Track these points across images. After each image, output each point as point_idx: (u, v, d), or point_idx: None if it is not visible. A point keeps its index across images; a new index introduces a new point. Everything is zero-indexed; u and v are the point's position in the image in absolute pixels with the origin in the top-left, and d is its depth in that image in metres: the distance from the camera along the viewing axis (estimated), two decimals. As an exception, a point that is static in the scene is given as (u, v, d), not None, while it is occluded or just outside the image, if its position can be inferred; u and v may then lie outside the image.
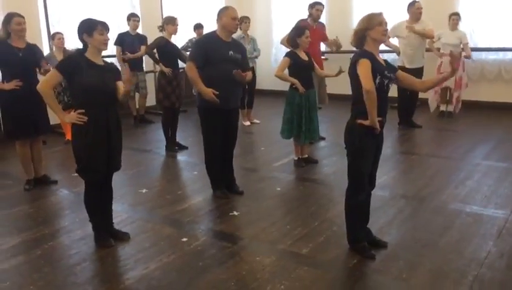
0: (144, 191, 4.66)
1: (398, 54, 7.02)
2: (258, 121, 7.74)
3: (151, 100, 8.21)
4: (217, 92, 4.08)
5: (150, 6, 8.73)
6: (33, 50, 4.69)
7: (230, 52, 4.21)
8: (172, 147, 6.13)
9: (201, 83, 4.12)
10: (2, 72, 4.62)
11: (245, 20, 7.33)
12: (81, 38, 3.30)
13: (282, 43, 6.19)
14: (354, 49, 3.19)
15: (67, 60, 3.39)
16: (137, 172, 5.33)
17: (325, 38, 6.69)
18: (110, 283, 3.02)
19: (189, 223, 3.89)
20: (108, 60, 7.46)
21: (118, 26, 7.59)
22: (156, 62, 6.22)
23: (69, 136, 5.47)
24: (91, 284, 3.00)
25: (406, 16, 6.96)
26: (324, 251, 3.34)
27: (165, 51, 6.09)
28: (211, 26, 5.38)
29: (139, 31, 7.92)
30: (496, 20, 7.95)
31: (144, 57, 7.77)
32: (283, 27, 8.52)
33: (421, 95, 7.37)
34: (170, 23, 6.10)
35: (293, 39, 5.01)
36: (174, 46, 6.27)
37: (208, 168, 4.47)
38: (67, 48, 6.61)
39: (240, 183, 4.59)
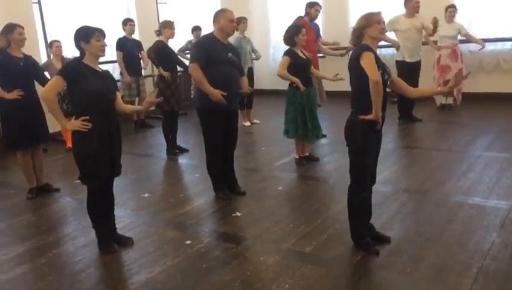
0: (146, 195, 4.66)
1: (398, 48, 6.98)
2: (257, 121, 7.74)
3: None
4: (225, 93, 4.09)
5: (146, 11, 8.73)
6: (32, 60, 4.75)
7: (230, 54, 4.25)
8: (173, 150, 6.13)
9: (207, 83, 4.08)
10: (1, 81, 4.63)
11: (243, 20, 7.33)
12: (78, 46, 3.31)
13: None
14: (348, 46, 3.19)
15: (69, 66, 3.40)
16: (139, 177, 5.34)
17: (315, 39, 6.70)
18: (115, 289, 3.03)
19: (192, 226, 3.90)
20: (108, 65, 7.60)
21: (115, 32, 7.60)
22: (156, 66, 6.22)
23: (69, 144, 5.48)
24: (96, 290, 3.01)
25: (400, 13, 6.94)
26: (328, 249, 3.34)
27: (163, 55, 6.09)
28: (208, 29, 5.38)
29: (135, 35, 7.93)
30: (493, 11, 7.94)
31: (141, 62, 7.80)
32: (280, 27, 8.51)
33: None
34: (167, 27, 6.11)
35: (290, 38, 5.01)
36: (171, 50, 6.28)
37: (210, 169, 4.47)
38: (65, 56, 6.61)
39: (241, 184, 4.59)
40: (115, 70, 8.13)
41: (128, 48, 7.46)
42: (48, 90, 3.29)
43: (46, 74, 6.38)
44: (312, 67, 5.28)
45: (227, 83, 4.14)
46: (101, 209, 3.49)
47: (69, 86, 3.26)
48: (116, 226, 3.65)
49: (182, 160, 5.97)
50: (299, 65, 5.00)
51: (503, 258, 3.04)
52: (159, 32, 6.16)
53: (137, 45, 7.67)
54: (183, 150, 6.21)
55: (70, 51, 6.56)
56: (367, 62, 2.95)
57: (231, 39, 6.91)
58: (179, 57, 6.95)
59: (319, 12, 6.77)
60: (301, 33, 4.97)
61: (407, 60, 6.86)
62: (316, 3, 6.74)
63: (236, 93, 4.30)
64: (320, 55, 7.61)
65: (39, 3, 7.30)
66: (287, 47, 5.10)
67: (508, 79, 8.04)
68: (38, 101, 4.60)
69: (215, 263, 3.23)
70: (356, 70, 3.03)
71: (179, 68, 6.29)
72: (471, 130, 6.41)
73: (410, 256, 3.13)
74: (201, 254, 3.37)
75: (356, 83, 3.10)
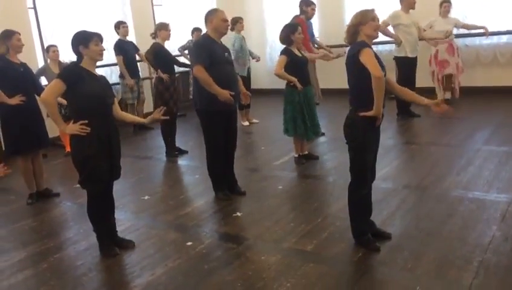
0: (147, 197, 4.67)
1: (400, 44, 6.84)
2: (256, 121, 7.74)
3: (148, 106, 8.24)
4: (233, 93, 4.09)
5: (142, 14, 8.73)
6: (28, 67, 4.76)
7: (226, 54, 4.27)
8: (173, 152, 6.13)
9: (215, 84, 4.06)
10: (1, 87, 4.61)
11: (239, 20, 7.34)
12: (76, 50, 3.31)
13: None
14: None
15: (69, 70, 3.40)
16: (139, 179, 5.35)
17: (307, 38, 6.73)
18: (118, 292, 3.03)
19: (193, 227, 3.90)
20: (105, 69, 7.60)
21: (111, 36, 7.60)
22: (154, 69, 6.22)
23: (69, 149, 5.48)
24: (98, 294, 3.02)
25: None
26: (329, 247, 3.34)
27: (161, 57, 6.08)
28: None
29: (131, 38, 7.94)
30: (488, 4, 7.94)
31: (138, 64, 7.80)
32: (277, 26, 8.54)
33: (420, 84, 7.37)
34: (163, 29, 6.11)
35: (286, 36, 5.01)
36: (168, 52, 6.28)
37: (210, 170, 4.47)
38: (61, 61, 6.61)
39: (241, 184, 4.59)
40: (112, 74, 8.15)
41: (126, 51, 7.47)
42: (48, 94, 3.29)
43: (43, 78, 6.44)
44: (308, 53, 5.27)
45: (229, 83, 4.15)
46: (101, 213, 3.49)
47: (68, 89, 3.26)
48: (117, 229, 3.66)
49: (182, 161, 5.97)
50: (296, 64, 5.00)
51: (503, 251, 3.05)
52: (154, 35, 6.15)
53: (134, 46, 7.69)
54: (182, 152, 6.21)
55: (67, 56, 6.57)
56: (367, 58, 2.94)
57: (229, 39, 6.96)
58: (176, 58, 6.95)
59: (315, 11, 6.81)
60: (297, 31, 4.98)
61: (409, 55, 6.83)
62: (312, 2, 6.76)
63: (237, 93, 4.31)
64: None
65: (35, 8, 7.30)
66: (284, 46, 5.09)
67: (505, 72, 8.04)
68: (38, 107, 4.62)
69: (216, 263, 3.24)
70: (355, 67, 3.02)
71: (176, 70, 6.29)
72: (470, 124, 6.41)
73: (411, 252, 3.14)
74: (202, 255, 3.38)
75: (355, 80, 3.10)
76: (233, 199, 4.40)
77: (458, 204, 3.84)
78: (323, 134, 6.28)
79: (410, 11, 6.77)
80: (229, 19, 7.13)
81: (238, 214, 4.09)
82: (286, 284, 2.89)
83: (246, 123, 7.59)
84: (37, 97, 4.49)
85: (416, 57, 6.95)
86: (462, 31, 7.97)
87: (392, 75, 6.64)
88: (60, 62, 6.58)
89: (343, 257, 3.22)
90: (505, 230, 3.32)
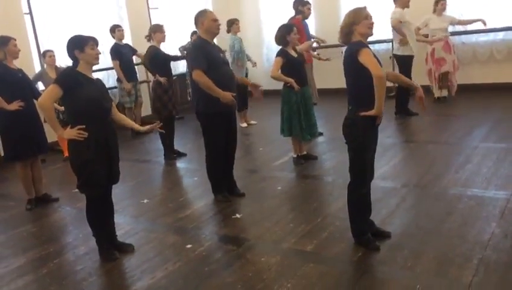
0: (146, 201, 4.66)
1: (406, 43, 6.76)
2: (254, 122, 7.74)
3: (145, 110, 8.24)
4: (234, 94, 4.10)
5: (138, 17, 8.73)
6: (25, 73, 4.75)
7: (221, 55, 4.27)
8: (171, 154, 6.13)
9: (217, 87, 4.05)
10: (0, 93, 4.61)
11: (235, 22, 7.34)
12: (71, 55, 3.31)
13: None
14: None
15: (65, 74, 3.39)
16: (138, 183, 5.34)
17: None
18: (118, 296, 3.03)
19: (192, 230, 3.90)
20: (102, 73, 7.59)
21: (107, 39, 7.59)
22: (153, 74, 6.19)
23: (67, 153, 5.48)
24: (99, 299, 3.01)
25: (389, 9, 6.91)
26: (329, 247, 3.34)
27: (158, 61, 6.07)
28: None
29: (128, 41, 7.94)
30: (484, 1, 7.94)
31: (136, 66, 7.80)
32: (273, 26, 8.56)
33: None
34: (158, 31, 6.10)
35: (282, 37, 5.01)
36: (164, 53, 6.27)
37: (210, 173, 4.47)
38: (58, 66, 6.61)
39: (240, 185, 4.59)
40: (109, 78, 8.15)
41: (123, 54, 7.46)
42: (45, 99, 3.29)
43: (40, 83, 6.44)
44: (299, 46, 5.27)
45: (228, 84, 4.16)
46: (100, 217, 3.49)
47: (65, 94, 3.26)
48: (116, 233, 3.65)
49: (180, 164, 5.97)
50: (292, 64, 5.00)
51: (503, 248, 3.05)
52: (149, 37, 6.15)
53: (130, 49, 7.68)
54: (181, 154, 6.20)
55: (64, 60, 6.56)
56: (367, 58, 2.93)
57: (226, 41, 6.98)
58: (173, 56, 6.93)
59: (311, 10, 6.83)
60: (293, 32, 4.98)
61: (411, 53, 6.84)
62: (307, 1, 6.77)
63: (236, 94, 4.31)
64: (315, 52, 7.65)
65: (31, 13, 7.29)
66: (280, 47, 5.10)
67: (502, 69, 8.05)
68: (37, 112, 4.62)
69: (216, 265, 3.23)
70: (354, 68, 3.01)
71: (174, 72, 6.28)
72: (467, 121, 6.42)
73: (411, 250, 3.14)
74: (202, 257, 3.37)
75: (354, 80, 3.09)
76: (233, 200, 4.40)
77: (457, 202, 3.84)
78: (321, 134, 6.29)
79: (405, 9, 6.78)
80: (225, 20, 7.23)
81: (238, 215, 4.09)
82: (286, 285, 2.89)
83: (244, 124, 7.59)
84: (35, 102, 4.49)
85: (413, 55, 6.97)
86: (458, 28, 8.00)
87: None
88: (56, 67, 6.57)
89: (343, 256, 3.22)
90: (504, 227, 3.33)
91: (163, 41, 6.19)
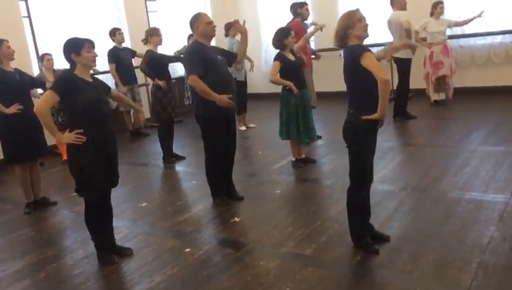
0: (144, 204, 4.66)
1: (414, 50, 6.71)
2: (253, 125, 7.74)
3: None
4: (230, 95, 4.11)
5: (137, 20, 8.72)
6: (23, 73, 4.75)
7: (219, 56, 4.27)
8: (170, 158, 6.12)
9: (213, 92, 4.06)
10: None
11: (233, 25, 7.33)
12: (68, 58, 3.30)
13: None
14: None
15: (61, 79, 3.39)
16: (136, 186, 5.33)
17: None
18: (116, 300, 3.02)
19: (191, 233, 3.89)
20: (101, 76, 7.60)
21: (106, 42, 7.59)
22: (152, 78, 6.19)
23: (65, 157, 5.47)
24: (97, 303, 3.00)
25: (388, 12, 6.91)
26: (328, 250, 3.34)
27: (156, 64, 6.07)
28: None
29: (127, 44, 7.94)
30: (482, 5, 7.96)
31: (135, 69, 7.80)
32: (271, 30, 8.58)
33: (414, 86, 7.39)
34: (154, 34, 6.10)
35: (279, 40, 5.01)
36: (161, 56, 6.27)
37: (209, 176, 4.46)
38: (56, 69, 6.60)
39: (239, 189, 4.59)
40: (108, 81, 8.13)
41: (121, 58, 7.46)
42: (41, 105, 3.29)
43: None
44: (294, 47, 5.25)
45: (226, 86, 4.16)
46: (99, 221, 3.48)
47: (62, 99, 3.26)
48: (115, 236, 3.64)
49: (179, 167, 5.96)
50: (290, 68, 5.00)
51: (502, 251, 3.05)
52: (146, 41, 6.14)
53: (129, 51, 7.68)
54: (179, 158, 6.20)
55: (62, 64, 6.56)
56: (371, 62, 2.93)
57: (225, 45, 6.96)
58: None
59: (309, 10, 6.83)
60: (290, 35, 4.98)
61: (410, 56, 6.85)
62: (304, 3, 6.77)
63: (234, 95, 4.31)
64: (313, 56, 7.65)
65: (29, 17, 7.29)
66: (278, 51, 5.10)
67: (499, 72, 8.07)
68: (36, 115, 4.60)
69: (215, 269, 3.23)
70: (356, 71, 3.01)
71: (173, 75, 6.27)
72: (466, 124, 6.43)
73: (410, 254, 3.14)
74: (201, 261, 3.36)
75: (355, 84, 3.08)
76: (232, 204, 4.39)
77: (456, 205, 3.84)
78: (320, 137, 6.29)
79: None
80: (224, 23, 7.23)
81: (236, 219, 4.09)
82: (285, 289, 2.88)
83: (243, 128, 7.59)
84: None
85: (411, 58, 6.99)
86: (456, 31, 8.01)
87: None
88: (54, 70, 6.57)
89: (342, 260, 3.22)
90: (503, 230, 3.33)
91: (160, 44, 6.20)
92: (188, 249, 3.55)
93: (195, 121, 4.41)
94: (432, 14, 7.37)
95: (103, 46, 7.52)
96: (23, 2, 7.21)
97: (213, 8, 9.87)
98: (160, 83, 5.96)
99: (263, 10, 10.46)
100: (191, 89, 4.40)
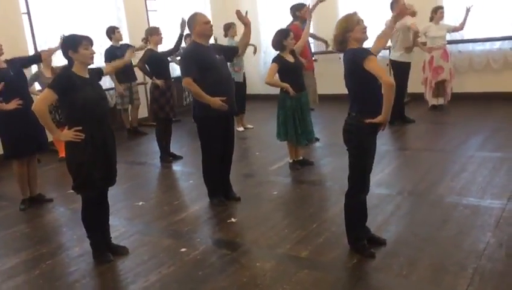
0: (141, 203, 4.64)
1: (411, 50, 6.82)
2: (251, 126, 7.73)
3: (142, 112, 8.21)
4: (224, 98, 4.10)
5: (136, 19, 8.71)
6: (15, 64, 4.70)
7: (217, 56, 4.26)
8: (167, 157, 6.11)
9: (206, 95, 4.08)
10: None
11: (232, 26, 7.35)
12: (66, 55, 3.30)
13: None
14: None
15: (59, 77, 3.38)
16: (133, 185, 5.31)
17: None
18: (111, 299, 3.00)
19: (187, 233, 3.88)
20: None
21: (106, 40, 7.56)
22: (149, 77, 6.18)
23: (62, 154, 5.46)
24: (92, 301, 2.99)
25: (386, 16, 6.90)
26: (324, 253, 3.33)
27: (155, 63, 6.06)
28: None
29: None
30: (481, 11, 7.97)
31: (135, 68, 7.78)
32: (271, 31, 8.58)
33: (413, 90, 7.40)
34: (154, 33, 6.09)
35: (279, 42, 5.01)
36: (161, 55, 6.25)
37: (206, 176, 4.45)
38: (54, 66, 6.58)
39: (236, 190, 4.58)
40: (106, 78, 8.10)
41: (118, 57, 7.40)
42: (38, 103, 3.27)
43: (36, 84, 6.40)
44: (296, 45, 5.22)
45: (224, 87, 4.16)
46: (95, 219, 3.47)
47: (61, 97, 3.25)
48: (111, 235, 3.63)
49: (176, 167, 5.95)
50: (288, 70, 5.00)
51: (498, 257, 3.05)
52: (146, 40, 6.13)
53: (127, 48, 7.61)
54: (177, 157, 6.19)
55: (60, 61, 6.53)
56: (374, 66, 2.92)
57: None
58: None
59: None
60: (289, 37, 4.98)
61: (410, 60, 6.86)
62: (303, 4, 6.76)
63: (233, 95, 4.30)
64: (315, 58, 7.65)
65: (28, 13, 7.26)
66: (277, 52, 5.09)
67: (497, 78, 8.08)
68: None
69: (211, 270, 3.22)
70: (358, 75, 3.00)
71: (172, 75, 6.26)
72: (463, 130, 6.43)
73: (406, 258, 3.14)
74: (197, 261, 3.36)
75: (358, 87, 3.08)
76: (228, 204, 4.38)
77: (453, 210, 3.85)
78: (317, 140, 6.28)
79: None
80: (223, 24, 7.23)
81: (233, 220, 4.08)
82: (281, 290, 2.88)
83: (241, 128, 7.58)
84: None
85: (411, 62, 7.00)
86: (455, 36, 8.02)
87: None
88: (53, 68, 6.55)
89: (338, 263, 3.21)
90: (499, 236, 3.33)
91: (160, 43, 6.19)
92: (183, 249, 3.54)
93: (193, 120, 4.41)
94: (431, 19, 7.38)
95: (102, 44, 7.49)
96: (23, -1, 7.19)
97: (213, 7, 9.87)
98: (158, 82, 5.95)
99: (263, 11, 10.46)
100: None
